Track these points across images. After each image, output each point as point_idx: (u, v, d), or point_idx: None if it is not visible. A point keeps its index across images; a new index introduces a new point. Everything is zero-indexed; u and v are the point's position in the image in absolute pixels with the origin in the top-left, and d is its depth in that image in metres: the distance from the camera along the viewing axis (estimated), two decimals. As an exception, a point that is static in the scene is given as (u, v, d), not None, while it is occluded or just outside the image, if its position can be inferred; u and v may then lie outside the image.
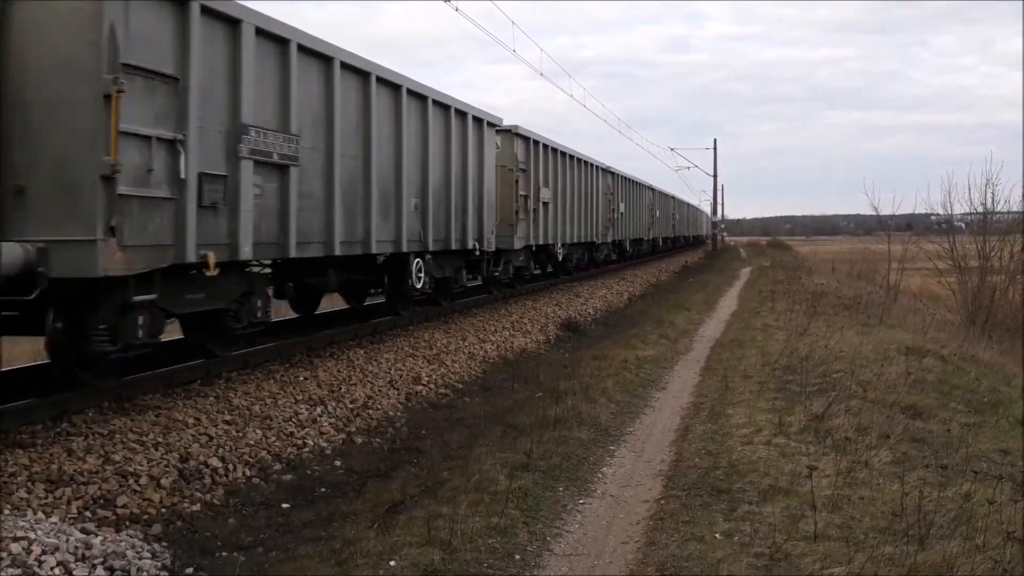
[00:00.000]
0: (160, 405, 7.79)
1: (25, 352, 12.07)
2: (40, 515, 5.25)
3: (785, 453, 7.10)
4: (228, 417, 7.75)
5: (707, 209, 72.07)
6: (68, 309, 6.81)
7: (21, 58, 6.45)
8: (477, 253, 14.93)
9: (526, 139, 18.57)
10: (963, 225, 31.51)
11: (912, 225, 40.84)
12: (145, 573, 4.81)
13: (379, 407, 9.17)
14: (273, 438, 7.58)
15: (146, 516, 5.72)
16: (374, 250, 10.99)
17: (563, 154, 21.91)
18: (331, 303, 14.78)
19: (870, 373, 10.58)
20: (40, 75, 6.42)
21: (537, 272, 22.18)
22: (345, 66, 10.08)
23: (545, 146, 20.05)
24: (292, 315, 12.84)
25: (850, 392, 9.21)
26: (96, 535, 5.08)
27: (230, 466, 6.80)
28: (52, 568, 4.52)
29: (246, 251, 8.21)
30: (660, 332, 15.36)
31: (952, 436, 7.88)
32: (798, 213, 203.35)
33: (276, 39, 8.76)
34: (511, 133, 17.66)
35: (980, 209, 28.74)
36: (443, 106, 13.33)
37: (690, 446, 7.56)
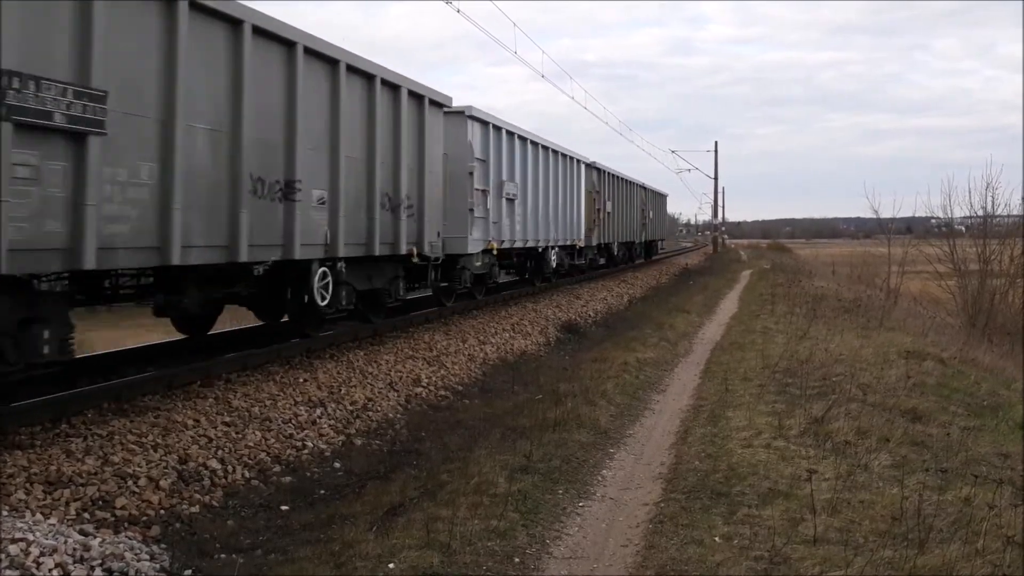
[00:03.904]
0: (159, 406, 7.79)
1: None
2: (39, 516, 5.24)
3: (785, 456, 7.09)
4: (227, 419, 7.75)
5: (707, 211, 71.92)
6: None
7: None
8: (415, 259, 12.30)
9: (484, 124, 15.71)
10: (963, 228, 31.57)
11: (912, 228, 40.94)
12: (143, 575, 4.80)
13: (379, 409, 9.17)
14: (272, 440, 7.58)
15: (145, 518, 5.71)
16: (243, 257, 8.27)
17: (533, 144, 19.11)
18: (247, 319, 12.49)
19: (870, 376, 10.58)
20: None
21: (511, 278, 20.57)
22: (199, 7, 7.54)
23: (510, 133, 17.29)
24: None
25: (850, 395, 9.20)
26: (95, 536, 5.07)
27: (229, 468, 6.80)
28: (50, 570, 4.52)
29: None
30: (660, 335, 15.35)
31: (952, 440, 7.86)
32: (798, 216, 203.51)
33: None
34: (463, 115, 14.71)
35: (980, 212, 28.86)
36: (364, 75, 10.55)
37: (690, 449, 7.55)
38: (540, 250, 20.29)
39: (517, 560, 5.13)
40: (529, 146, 18.86)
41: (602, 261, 29.12)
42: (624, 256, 33.09)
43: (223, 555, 5.35)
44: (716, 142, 65.86)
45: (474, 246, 15.30)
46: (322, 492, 6.67)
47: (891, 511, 5.66)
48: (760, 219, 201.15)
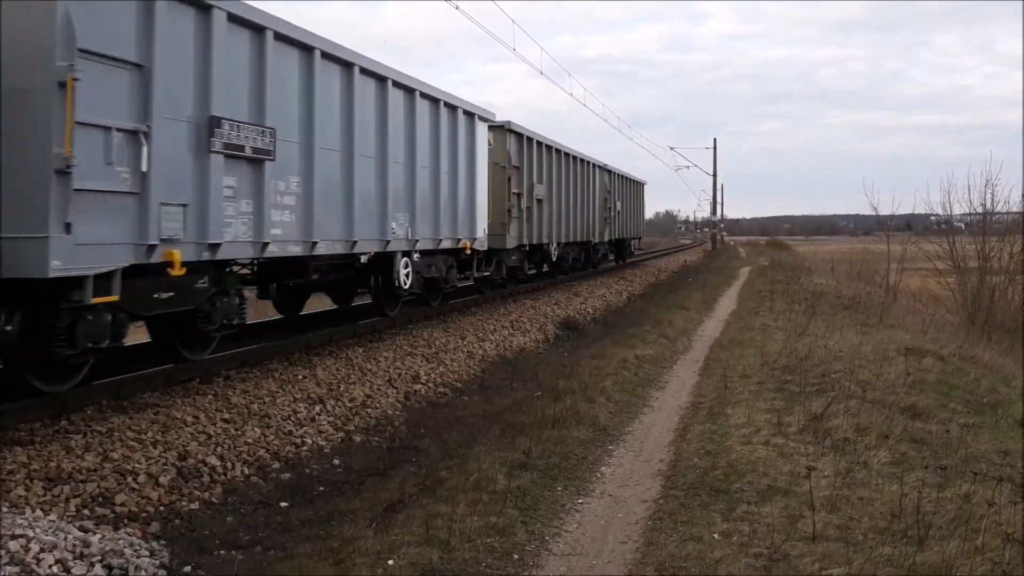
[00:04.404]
0: (159, 403, 7.79)
1: None
2: (38, 513, 5.25)
3: (784, 453, 7.09)
4: (227, 415, 7.75)
5: (706, 208, 71.80)
6: None
7: None
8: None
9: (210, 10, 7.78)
10: (963, 225, 31.58)
11: (911, 225, 40.94)
12: (143, 571, 4.80)
13: (378, 406, 9.17)
14: (272, 436, 7.58)
15: (144, 514, 5.72)
16: None
17: (332, 59, 10.13)
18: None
19: (869, 373, 10.58)
20: None
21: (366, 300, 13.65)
22: None
23: (241, 22, 8.40)
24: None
25: (849, 392, 9.21)
26: (94, 533, 5.08)
27: (228, 464, 6.80)
28: (50, 566, 4.52)
29: None
30: (659, 331, 15.35)
31: (951, 437, 7.87)
32: (797, 213, 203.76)
33: None
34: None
35: (980, 209, 28.85)
36: None
37: (689, 446, 7.55)
38: (367, 261, 12.03)
39: (516, 557, 5.13)
40: (321, 62, 9.77)
41: (532, 270, 21.37)
42: (579, 260, 25.92)
43: (222, 551, 5.35)
44: (715, 139, 65.95)
45: (65, 259, 6.39)
46: (321, 489, 6.67)
47: (890, 508, 5.66)
48: (759, 216, 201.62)
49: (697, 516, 5.76)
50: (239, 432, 7.45)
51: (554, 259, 21.98)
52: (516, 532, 5.46)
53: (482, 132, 15.61)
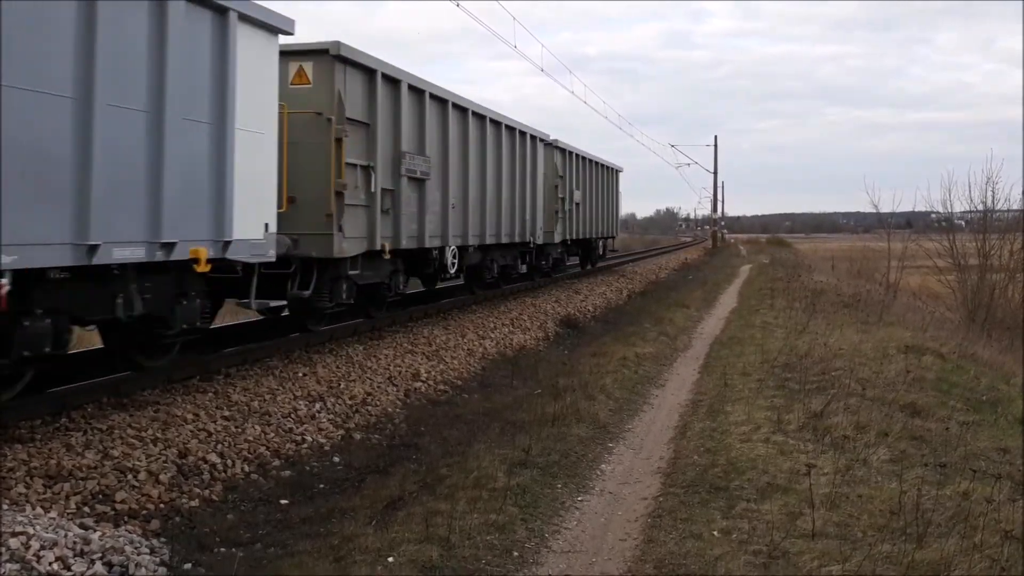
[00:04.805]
0: (159, 401, 7.80)
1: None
2: (39, 510, 5.25)
3: (784, 451, 7.10)
4: (227, 413, 7.75)
5: (706, 206, 71.67)
6: None
7: None
8: None
9: None
10: (963, 223, 31.57)
11: (912, 223, 40.95)
12: (143, 569, 4.81)
13: (378, 403, 9.17)
14: (272, 434, 7.59)
15: (145, 512, 5.73)
16: None
17: None
18: None
19: (869, 371, 10.58)
20: None
21: None
22: None
23: None
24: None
25: (849, 390, 9.21)
26: (95, 530, 5.08)
27: (229, 462, 6.81)
28: (51, 563, 4.53)
29: None
30: (659, 329, 15.36)
31: (951, 434, 7.88)
32: (798, 210, 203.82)
33: None
34: None
35: (980, 207, 28.82)
36: None
37: (688, 443, 7.56)
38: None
39: (516, 554, 5.14)
40: None
41: (401, 285, 13.02)
42: (513, 268, 19.12)
43: (223, 549, 5.36)
44: (716, 136, 65.94)
45: None
46: (321, 486, 6.68)
47: (889, 505, 5.67)
48: (759, 214, 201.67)
49: (697, 513, 5.76)
50: (239, 430, 7.45)
51: (452, 270, 14.57)
52: (516, 529, 5.47)
53: (261, 46, 8.51)
